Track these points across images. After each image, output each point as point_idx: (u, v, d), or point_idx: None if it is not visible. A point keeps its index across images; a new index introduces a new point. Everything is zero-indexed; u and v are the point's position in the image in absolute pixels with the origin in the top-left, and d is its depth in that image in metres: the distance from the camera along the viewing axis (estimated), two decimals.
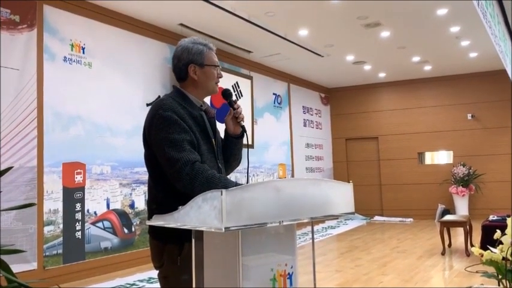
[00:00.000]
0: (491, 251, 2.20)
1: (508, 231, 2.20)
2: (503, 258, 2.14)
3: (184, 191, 1.73)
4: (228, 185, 1.69)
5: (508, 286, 2.14)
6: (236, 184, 1.71)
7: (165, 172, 1.83)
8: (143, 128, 1.96)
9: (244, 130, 2.11)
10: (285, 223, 1.53)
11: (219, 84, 2.10)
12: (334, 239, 8.38)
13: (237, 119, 2.09)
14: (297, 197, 1.54)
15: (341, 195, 1.71)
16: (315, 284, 1.72)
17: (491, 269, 2.16)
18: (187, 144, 1.83)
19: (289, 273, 1.58)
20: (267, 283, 1.51)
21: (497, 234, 2.26)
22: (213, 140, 2.02)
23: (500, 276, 2.16)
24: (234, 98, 2.13)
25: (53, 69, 5.28)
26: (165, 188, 1.87)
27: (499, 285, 2.18)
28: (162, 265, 1.91)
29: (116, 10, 6.09)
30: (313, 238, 1.84)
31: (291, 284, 1.58)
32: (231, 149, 2.11)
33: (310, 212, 1.58)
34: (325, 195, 1.65)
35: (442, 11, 6.57)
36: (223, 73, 2.17)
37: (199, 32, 7.02)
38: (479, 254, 2.24)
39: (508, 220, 2.28)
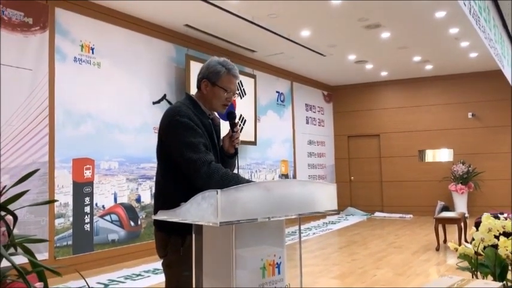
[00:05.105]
0: (466, 246, 2.42)
1: (480, 228, 2.41)
2: (475, 253, 2.36)
3: (201, 188, 1.91)
4: (240, 181, 1.91)
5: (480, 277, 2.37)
6: (248, 181, 1.93)
7: (184, 172, 2.03)
8: (159, 127, 2.18)
9: (236, 153, 2.29)
10: (273, 219, 1.75)
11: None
12: (335, 233, 8.60)
13: (233, 142, 2.27)
14: (285, 196, 1.77)
15: (326, 194, 1.94)
16: (301, 280, 1.94)
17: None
18: (203, 147, 2.06)
19: (277, 263, 1.81)
20: (257, 271, 1.74)
21: (472, 230, 2.48)
22: (217, 146, 2.26)
23: (473, 269, 2.39)
24: (237, 120, 2.31)
25: (64, 69, 5.52)
26: (173, 182, 2.10)
27: (472, 277, 2.41)
28: (166, 255, 2.14)
29: (124, 11, 6.31)
30: (300, 234, 2.06)
31: (279, 272, 1.81)
32: (223, 165, 2.27)
33: (297, 209, 1.81)
34: (311, 194, 1.88)
35: (440, 14, 6.72)
36: None
37: (204, 32, 7.23)
38: (454, 248, 2.47)
39: (483, 217, 2.50)
